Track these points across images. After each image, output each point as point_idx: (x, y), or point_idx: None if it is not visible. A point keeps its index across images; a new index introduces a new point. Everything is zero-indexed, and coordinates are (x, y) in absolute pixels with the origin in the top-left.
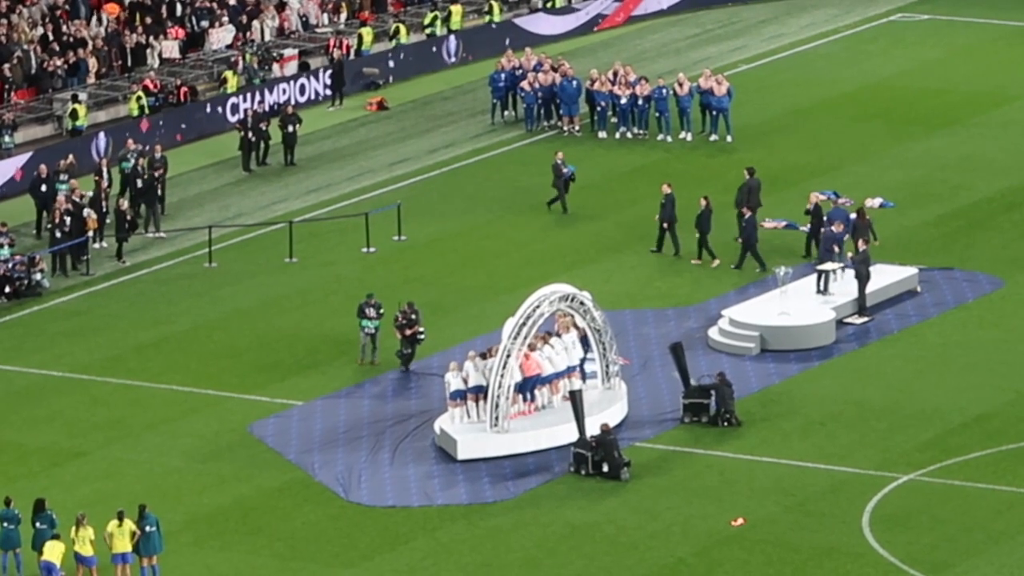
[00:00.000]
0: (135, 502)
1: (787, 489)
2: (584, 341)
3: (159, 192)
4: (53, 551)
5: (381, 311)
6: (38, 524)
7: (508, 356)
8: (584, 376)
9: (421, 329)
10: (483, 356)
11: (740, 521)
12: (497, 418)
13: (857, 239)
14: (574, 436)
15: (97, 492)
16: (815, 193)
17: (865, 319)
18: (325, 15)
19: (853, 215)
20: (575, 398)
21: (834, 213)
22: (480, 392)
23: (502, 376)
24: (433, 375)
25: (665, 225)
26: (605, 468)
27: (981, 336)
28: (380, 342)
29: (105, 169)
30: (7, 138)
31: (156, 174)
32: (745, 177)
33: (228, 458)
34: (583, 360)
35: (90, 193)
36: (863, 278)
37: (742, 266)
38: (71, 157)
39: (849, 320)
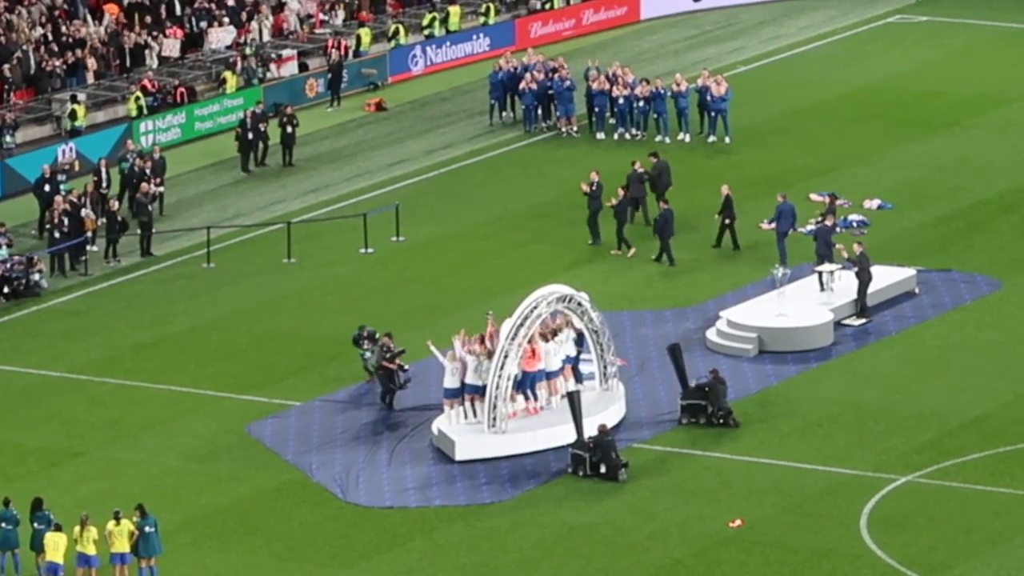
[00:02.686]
0: (133, 502)
1: (785, 490)
2: (580, 341)
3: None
4: (57, 548)
5: (377, 337)
6: (36, 524)
7: (506, 357)
8: (581, 377)
9: (406, 366)
10: (481, 340)
11: (738, 522)
12: (495, 419)
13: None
14: (572, 437)
15: (95, 492)
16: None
17: (864, 320)
18: (322, 15)
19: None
20: (573, 399)
21: (783, 207)
22: (477, 392)
23: (499, 377)
24: (431, 376)
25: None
26: (603, 469)
27: (979, 338)
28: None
29: (104, 170)
30: (8, 138)
31: (147, 170)
32: (652, 161)
33: (226, 458)
34: (577, 358)
35: (76, 191)
36: (864, 281)
37: (662, 258)
38: (70, 155)
39: (847, 321)
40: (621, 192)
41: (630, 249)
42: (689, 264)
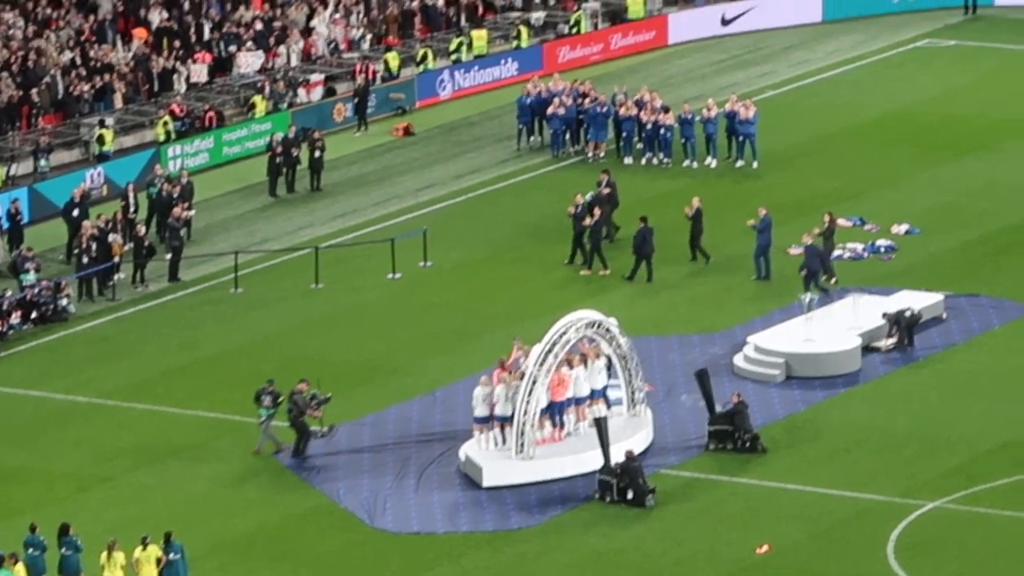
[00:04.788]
0: (161, 527)
1: (812, 516)
2: (609, 367)
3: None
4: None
5: (279, 400)
6: (63, 550)
7: (534, 383)
8: (609, 403)
9: (317, 414)
10: (510, 375)
11: (765, 548)
12: (523, 445)
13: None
14: (599, 463)
15: (123, 518)
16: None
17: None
18: (350, 39)
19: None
20: (600, 425)
21: (764, 221)
22: (507, 421)
23: (527, 403)
24: (459, 402)
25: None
26: (630, 495)
27: (1008, 363)
28: (270, 432)
29: (132, 194)
30: (43, 162)
31: (175, 195)
32: (604, 179)
33: (254, 484)
34: (607, 387)
35: (104, 216)
36: (829, 249)
37: (635, 276)
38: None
39: (876, 344)
40: (597, 212)
41: (605, 269)
42: (717, 289)
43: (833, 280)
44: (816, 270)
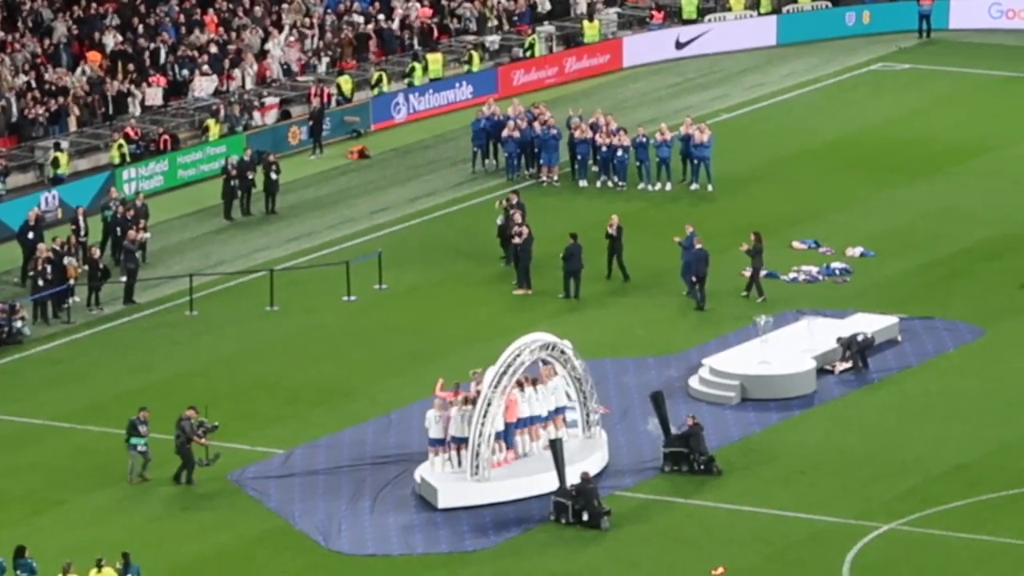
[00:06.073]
0: (116, 550)
1: (767, 538)
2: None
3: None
4: None
5: (140, 428)
6: (18, 572)
7: (489, 404)
8: (565, 424)
9: (203, 441)
10: (465, 401)
11: (720, 570)
12: (478, 467)
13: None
14: (555, 485)
15: (79, 540)
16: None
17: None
18: (304, 62)
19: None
20: (556, 447)
21: (690, 238)
22: (462, 443)
23: (483, 425)
24: (414, 424)
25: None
26: (585, 517)
27: (962, 385)
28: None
29: (82, 218)
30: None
31: (130, 217)
32: (513, 200)
33: (208, 506)
34: (563, 408)
35: (60, 239)
36: (756, 267)
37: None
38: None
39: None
40: (525, 230)
41: (523, 288)
42: (672, 312)
43: (761, 298)
44: (702, 275)
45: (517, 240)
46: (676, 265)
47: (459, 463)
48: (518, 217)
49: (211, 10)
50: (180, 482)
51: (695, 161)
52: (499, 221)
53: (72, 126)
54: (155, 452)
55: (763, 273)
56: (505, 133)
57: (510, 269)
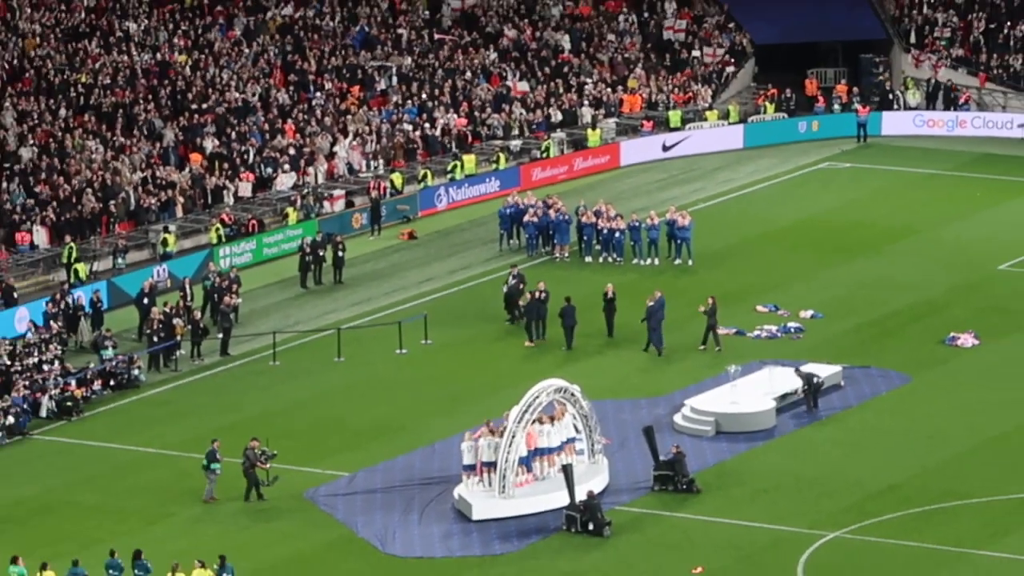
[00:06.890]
0: (214, 554)
1: (737, 544)
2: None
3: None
4: None
5: (217, 457)
6: (136, 571)
7: (514, 436)
8: (574, 452)
9: (266, 466)
10: (492, 432)
11: (699, 570)
12: (504, 487)
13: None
14: (566, 501)
15: (183, 546)
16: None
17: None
18: (365, 162)
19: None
20: (567, 471)
21: (659, 301)
22: (491, 466)
23: (509, 453)
24: (453, 453)
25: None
26: (591, 527)
27: (892, 422)
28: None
29: (188, 287)
30: (120, 260)
31: (224, 286)
32: (513, 272)
33: (288, 519)
34: (574, 439)
35: (169, 304)
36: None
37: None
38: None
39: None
40: (530, 296)
41: (531, 341)
42: (660, 362)
43: (717, 348)
44: (656, 327)
45: (520, 303)
46: (667, 323)
47: (489, 483)
48: (543, 285)
49: (290, 120)
50: (249, 500)
51: (678, 241)
52: (504, 289)
53: (179, 213)
54: (225, 475)
55: (732, 331)
56: (526, 218)
57: (518, 326)
